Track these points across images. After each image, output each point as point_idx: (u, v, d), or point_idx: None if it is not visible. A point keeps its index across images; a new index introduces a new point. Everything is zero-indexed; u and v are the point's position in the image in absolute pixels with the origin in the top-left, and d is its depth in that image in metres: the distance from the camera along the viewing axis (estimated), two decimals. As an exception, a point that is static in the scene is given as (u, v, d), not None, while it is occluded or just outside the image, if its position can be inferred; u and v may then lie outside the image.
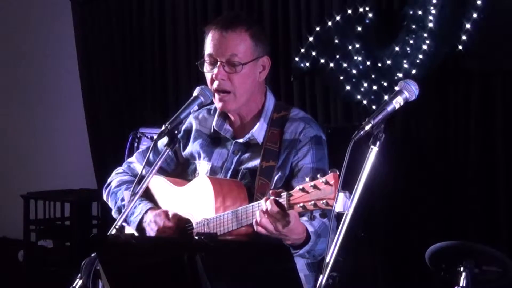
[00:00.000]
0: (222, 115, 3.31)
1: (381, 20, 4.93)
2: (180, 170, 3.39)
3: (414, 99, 2.75)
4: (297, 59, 5.24)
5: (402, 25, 4.77)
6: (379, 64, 4.88)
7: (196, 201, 3.15)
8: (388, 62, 4.82)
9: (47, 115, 7.31)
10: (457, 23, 4.56)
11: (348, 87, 5.01)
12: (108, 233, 2.90)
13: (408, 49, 4.74)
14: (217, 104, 3.22)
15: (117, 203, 3.38)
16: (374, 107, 4.84)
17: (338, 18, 5.06)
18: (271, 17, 5.49)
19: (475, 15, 4.49)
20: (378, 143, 2.62)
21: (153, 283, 2.62)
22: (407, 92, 2.73)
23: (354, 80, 4.98)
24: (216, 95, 3.20)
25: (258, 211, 2.85)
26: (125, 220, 3.26)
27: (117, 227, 2.91)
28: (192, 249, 2.53)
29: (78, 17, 6.74)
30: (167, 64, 6.23)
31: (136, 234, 3.25)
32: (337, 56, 5.05)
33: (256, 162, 3.19)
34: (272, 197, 2.81)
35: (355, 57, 4.97)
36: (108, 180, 3.47)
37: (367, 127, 2.62)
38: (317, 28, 5.17)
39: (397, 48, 4.78)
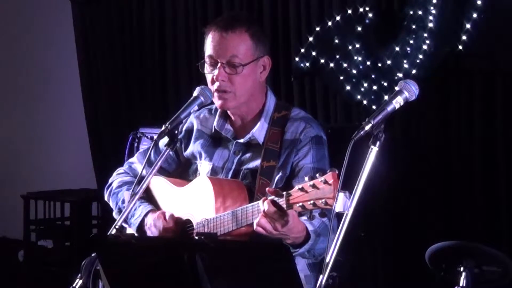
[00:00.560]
0: (223, 115, 3.31)
1: (381, 20, 4.92)
2: (182, 170, 3.39)
3: (414, 99, 2.75)
4: (297, 59, 5.24)
5: (402, 25, 4.76)
6: (379, 64, 4.87)
7: (196, 202, 3.16)
8: (388, 62, 4.82)
9: (47, 115, 7.31)
10: (457, 23, 4.56)
11: (348, 87, 5.01)
12: (108, 233, 2.90)
13: (408, 49, 4.74)
14: (217, 102, 3.23)
15: (118, 204, 3.38)
16: (374, 107, 4.84)
17: (338, 18, 5.06)
18: (271, 17, 5.49)
19: (475, 15, 4.49)
20: (378, 143, 2.62)
21: (153, 283, 2.62)
22: (407, 92, 2.73)
23: (354, 80, 4.98)
24: (216, 94, 3.20)
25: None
26: (125, 222, 3.26)
27: (117, 227, 2.91)
28: (192, 249, 2.53)
29: (78, 17, 6.74)
30: (167, 64, 6.23)
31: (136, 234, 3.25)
32: (337, 56, 5.05)
33: (257, 163, 3.19)
34: (270, 198, 2.81)
35: (355, 57, 4.97)
36: (110, 181, 3.47)
37: (367, 127, 2.62)
38: (317, 28, 5.17)
39: (397, 48, 4.78)
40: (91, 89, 6.75)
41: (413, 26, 4.71)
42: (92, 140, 6.76)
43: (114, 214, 3.40)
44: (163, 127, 3.05)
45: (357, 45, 4.96)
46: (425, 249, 3.39)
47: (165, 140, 3.09)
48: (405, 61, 4.75)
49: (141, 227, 3.25)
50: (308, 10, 5.28)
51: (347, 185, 2.56)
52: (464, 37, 4.54)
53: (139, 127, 5.20)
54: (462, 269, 3.28)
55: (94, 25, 6.68)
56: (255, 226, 2.86)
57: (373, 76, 4.90)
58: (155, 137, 3.09)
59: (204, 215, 3.09)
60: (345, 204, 2.54)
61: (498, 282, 3.34)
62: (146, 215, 3.25)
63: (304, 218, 2.94)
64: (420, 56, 4.69)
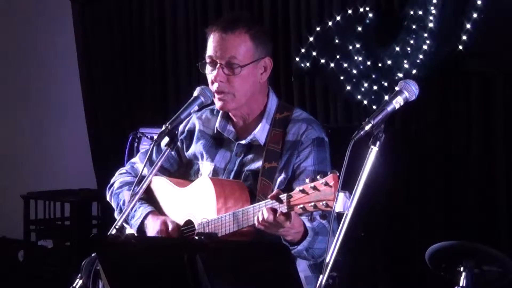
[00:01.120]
0: (225, 116, 3.30)
1: (381, 20, 4.93)
2: (184, 171, 3.39)
3: (414, 99, 2.75)
4: (297, 59, 5.24)
5: (402, 25, 4.77)
6: (380, 64, 4.88)
7: (197, 202, 3.15)
8: (389, 62, 4.82)
9: (47, 115, 7.31)
10: (457, 23, 4.56)
11: (348, 87, 5.01)
12: (108, 233, 2.90)
13: (408, 49, 4.74)
14: (217, 104, 3.22)
15: (119, 205, 3.38)
16: (374, 107, 4.84)
17: (338, 18, 5.06)
18: (271, 17, 5.49)
19: (475, 15, 4.49)
20: (378, 143, 2.62)
21: (153, 283, 2.62)
22: (407, 92, 2.73)
23: (354, 80, 4.99)
24: (216, 95, 3.20)
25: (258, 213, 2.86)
26: (126, 222, 3.27)
27: (117, 227, 2.91)
28: (192, 249, 2.53)
29: (78, 17, 6.74)
30: (167, 64, 6.23)
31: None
32: (338, 56, 5.05)
33: (258, 164, 3.18)
34: (269, 206, 2.82)
35: (356, 57, 4.97)
36: (111, 181, 3.47)
37: (367, 127, 2.62)
38: (317, 28, 5.17)
39: (397, 48, 4.78)
40: (91, 89, 6.75)
41: (413, 26, 4.72)
42: (92, 140, 6.76)
43: (116, 215, 3.40)
44: (163, 127, 3.05)
45: (357, 45, 4.97)
46: (425, 249, 3.39)
47: (166, 140, 3.09)
48: (405, 61, 4.75)
49: (141, 229, 3.25)
50: (308, 10, 5.28)
51: (347, 185, 2.56)
52: (464, 37, 4.54)
53: (139, 127, 5.20)
54: (462, 269, 3.28)
55: (94, 25, 6.68)
56: (256, 224, 2.87)
57: (373, 76, 4.91)
58: (155, 137, 3.09)
59: (205, 216, 3.09)
60: (345, 204, 2.54)
61: (498, 282, 3.34)
62: (146, 217, 3.25)
63: (304, 218, 2.94)
64: (420, 56, 4.69)
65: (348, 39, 5.00)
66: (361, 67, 4.95)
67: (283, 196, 2.79)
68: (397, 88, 2.74)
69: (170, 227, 3.18)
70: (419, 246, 3.52)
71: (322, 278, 2.50)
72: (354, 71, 4.98)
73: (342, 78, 5.03)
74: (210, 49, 3.21)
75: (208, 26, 3.29)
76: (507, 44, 4.46)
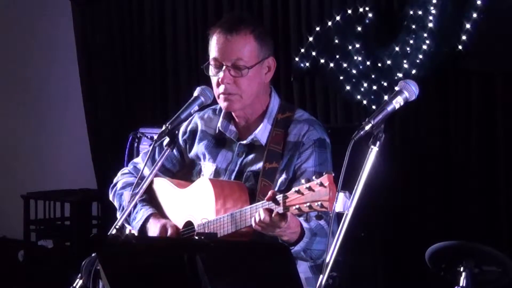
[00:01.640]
0: (227, 116, 3.30)
1: (381, 20, 4.92)
2: (186, 171, 3.38)
3: (414, 99, 2.75)
4: (297, 59, 5.24)
5: (402, 25, 4.76)
6: (379, 64, 4.87)
7: (197, 203, 3.16)
8: (388, 62, 4.82)
9: (47, 115, 7.31)
10: (457, 23, 4.56)
11: (348, 87, 5.01)
12: (108, 233, 2.90)
13: (408, 49, 4.74)
14: (222, 104, 3.21)
15: (122, 205, 3.38)
16: (374, 107, 4.84)
17: (338, 18, 5.06)
18: (271, 17, 5.49)
19: (475, 15, 4.49)
20: (378, 143, 2.62)
21: (153, 283, 2.62)
22: (407, 92, 2.73)
23: (354, 80, 4.98)
24: (222, 96, 3.19)
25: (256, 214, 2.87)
26: (127, 222, 3.27)
27: (117, 227, 2.91)
28: (192, 249, 2.53)
29: (78, 17, 6.74)
30: (167, 64, 6.23)
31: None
32: (337, 56, 5.05)
33: (259, 164, 3.18)
34: (266, 206, 2.82)
35: (355, 57, 4.97)
36: (114, 181, 3.47)
37: (367, 127, 2.63)
38: (317, 28, 5.17)
39: (397, 48, 4.78)
40: (91, 89, 6.75)
41: (413, 26, 4.71)
42: (92, 140, 6.76)
43: (118, 215, 3.40)
44: (163, 127, 3.04)
45: (357, 45, 4.96)
46: (425, 249, 3.39)
47: (167, 140, 3.09)
48: (405, 61, 4.75)
49: (142, 231, 3.25)
50: (308, 10, 5.28)
51: (347, 185, 2.56)
52: (464, 37, 4.54)
53: (139, 127, 5.20)
54: (462, 269, 3.28)
55: (94, 25, 6.68)
56: (253, 225, 2.87)
57: (373, 76, 4.90)
58: (155, 137, 3.09)
59: (204, 217, 3.09)
60: (345, 204, 2.54)
61: (498, 282, 3.34)
62: (147, 219, 3.25)
63: (301, 219, 2.95)
64: (420, 56, 4.69)
65: (348, 39, 5.00)
66: (361, 67, 4.95)
67: (279, 197, 2.80)
68: (397, 88, 2.75)
69: (169, 232, 3.18)
70: (419, 246, 3.51)
71: (322, 278, 2.50)
72: (354, 71, 4.98)
73: (341, 78, 5.03)
74: (214, 51, 3.19)
75: (209, 27, 3.28)
76: (507, 44, 4.46)
